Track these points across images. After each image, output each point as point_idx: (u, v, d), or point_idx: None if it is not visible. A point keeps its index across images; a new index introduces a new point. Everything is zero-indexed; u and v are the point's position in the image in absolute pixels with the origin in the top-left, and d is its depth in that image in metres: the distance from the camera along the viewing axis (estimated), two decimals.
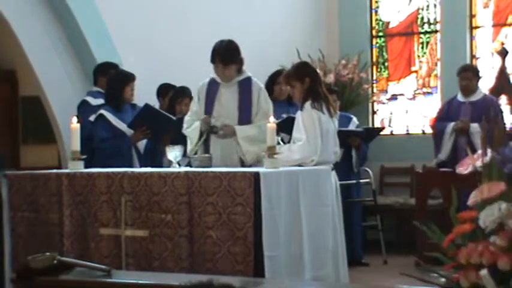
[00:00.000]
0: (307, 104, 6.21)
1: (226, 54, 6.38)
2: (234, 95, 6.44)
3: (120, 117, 7.33)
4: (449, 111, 8.61)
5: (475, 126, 8.21)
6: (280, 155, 5.73)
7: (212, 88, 6.50)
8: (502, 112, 8.59)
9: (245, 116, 6.39)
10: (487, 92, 9.40)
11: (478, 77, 8.75)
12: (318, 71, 10.06)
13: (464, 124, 8.28)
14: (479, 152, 2.96)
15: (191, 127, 6.46)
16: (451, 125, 8.39)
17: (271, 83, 8.57)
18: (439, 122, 8.65)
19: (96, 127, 7.28)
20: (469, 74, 8.52)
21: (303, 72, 6.38)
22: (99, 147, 7.19)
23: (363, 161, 9.05)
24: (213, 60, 6.43)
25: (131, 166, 6.95)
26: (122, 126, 7.31)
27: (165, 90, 7.99)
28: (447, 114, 8.59)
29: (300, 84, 6.31)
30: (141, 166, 7.03)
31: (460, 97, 8.59)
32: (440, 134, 8.49)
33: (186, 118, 6.60)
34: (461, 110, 8.46)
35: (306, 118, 6.17)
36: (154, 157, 7.16)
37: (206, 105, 6.48)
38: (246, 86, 6.44)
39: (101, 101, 7.59)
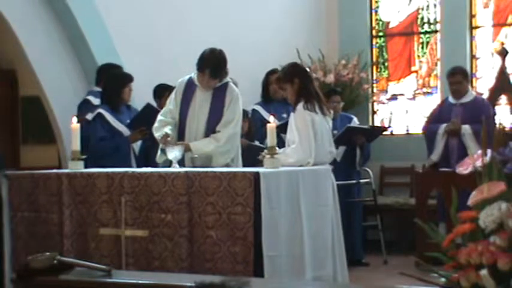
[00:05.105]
0: (300, 106, 6.18)
1: (217, 68, 6.35)
2: (207, 101, 6.43)
3: (117, 117, 7.35)
4: (441, 113, 8.59)
5: (466, 128, 8.20)
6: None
7: (190, 89, 6.49)
8: (494, 113, 8.58)
9: (213, 123, 6.38)
10: (486, 92, 9.42)
11: (467, 79, 8.74)
12: (318, 70, 10.20)
13: (456, 126, 8.26)
14: (479, 152, 2.95)
15: (158, 132, 6.38)
16: (442, 127, 8.37)
17: (266, 83, 8.60)
18: (431, 124, 8.64)
19: (94, 126, 7.28)
20: (458, 78, 8.48)
21: (291, 73, 6.34)
22: (97, 146, 7.19)
23: (367, 159, 9.06)
24: (200, 69, 6.38)
25: (129, 166, 6.95)
26: (120, 126, 7.32)
27: (161, 91, 7.99)
28: (439, 116, 8.57)
29: (290, 86, 6.28)
30: (137, 166, 7.04)
31: (451, 99, 8.58)
32: (432, 136, 8.48)
33: (159, 117, 6.52)
34: (453, 111, 8.44)
35: (299, 120, 6.14)
36: (149, 158, 7.13)
37: (182, 106, 6.47)
38: (220, 93, 6.42)
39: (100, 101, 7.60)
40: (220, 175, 5.37)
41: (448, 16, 10.29)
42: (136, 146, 7.48)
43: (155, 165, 6.38)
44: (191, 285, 2.72)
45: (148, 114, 7.04)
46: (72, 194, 5.85)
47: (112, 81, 7.43)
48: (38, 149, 10.53)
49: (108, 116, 7.28)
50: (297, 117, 6.17)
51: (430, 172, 8.38)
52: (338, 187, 6.32)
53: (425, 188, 8.42)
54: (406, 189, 10.13)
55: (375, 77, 10.90)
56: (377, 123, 10.73)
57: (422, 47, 10.67)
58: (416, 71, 10.73)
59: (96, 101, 7.65)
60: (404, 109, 10.76)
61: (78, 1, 8.00)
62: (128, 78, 7.40)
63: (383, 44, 10.91)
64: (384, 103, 10.80)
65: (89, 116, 7.39)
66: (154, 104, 7.92)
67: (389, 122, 10.80)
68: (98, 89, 7.75)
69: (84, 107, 7.71)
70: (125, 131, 7.32)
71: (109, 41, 8.16)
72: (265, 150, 5.73)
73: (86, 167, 6.19)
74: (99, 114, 7.29)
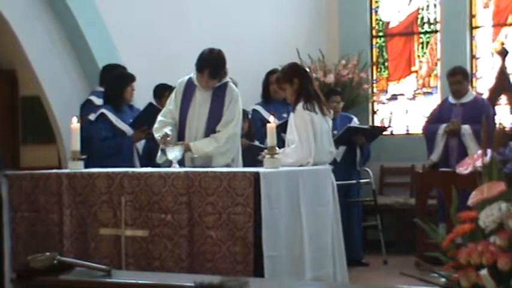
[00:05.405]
0: (299, 106, 6.19)
1: (216, 68, 6.35)
2: (207, 101, 6.43)
3: (120, 117, 7.35)
4: (441, 113, 8.59)
5: (466, 128, 8.19)
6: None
7: (189, 89, 6.48)
8: (494, 113, 8.58)
9: (213, 123, 6.38)
10: (486, 92, 9.41)
11: (468, 79, 8.73)
12: (318, 70, 10.20)
13: (456, 125, 8.25)
14: (479, 152, 2.96)
15: (158, 133, 6.37)
16: (442, 127, 8.37)
17: (267, 83, 8.60)
18: (431, 124, 8.63)
19: (97, 126, 7.29)
20: (458, 78, 8.47)
21: (290, 73, 6.35)
22: (100, 146, 7.20)
23: (367, 159, 9.06)
24: (199, 70, 6.37)
25: (132, 166, 6.97)
26: (123, 125, 7.32)
27: (161, 91, 7.99)
28: (439, 116, 8.57)
29: (290, 86, 6.29)
30: (140, 166, 7.05)
31: (451, 99, 8.58)
32: (431, 136, 8.47)
33: (159, 118, 6.52)
34: (453, 111, 8.44)
35: (298, 120, 6.14)
36: (152, 158, 7.14)
37: (181, 106, 6.47)
38: (220, 93, 6.42)
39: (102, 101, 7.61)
40: (220, 175, 5.37)
41: (448, 16, 10.29)
42: (140, 145, 7.48)
43: (158, 165, 6.38)
44: (191, 285, 2.72)
45: (151, 114, 7.03)
46: (72, 194, 5.85)
47: (114, 81, 7.45)
48: (38, 149, 10.53)
49: (111, 116, 7.29)
50: (297, 117, 6.18)
51: (430, 172, 8.37)
52: (338, 187, 6.32)
53: (425, 188, 8.41)
54: (406, 189, 10.13)
55: (374, 77, 10.89)
56: (377, 123, 10.73)
57: (422, 47, 10.67)
58: (416, 71, 10.73)
59: (98, 101, 7.65)
60: (404, 109, 10.76)
61: (78, 1, 7.99)
62: (130, 78, 7.42)
63: (383, 44, 10.91)
64: (384, 103, 10.80)
65: (92, 117, 7.40)
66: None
67: (389, 122, 10.80)
68: (101, 89, 7.75)
69: (87, 107, 7.72)
70: (128, 130, 7.33)
71: (109, 41, 8.16)
72: (265, 150, 5.73)
73: (89, 167, 6.19)
74: (102, 114, 7.30)
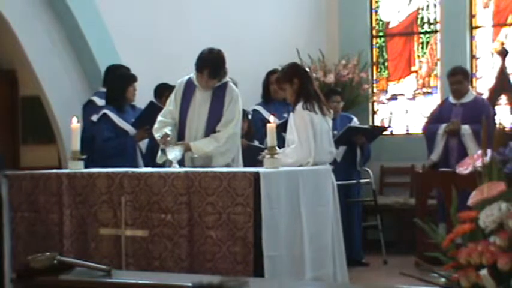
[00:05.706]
0: (299, 106, 6.19)
1: (215, 68, 6.34)
2: (207, 101, 6.43)
3: (122, 117, 7.36)
4: (441, 113, 8.59)
5: (466, 128, 8.19)
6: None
7: (189, 89, 6.48)
8: (494, 114, 8.58)
9: (213, 123, 6.38)
10: (486, 92, 9.41)
11: (468, 79, 8.73)
12: (318, 70, 10.20)
13: (456, 125, 8.25)
14: (479, 152, 2.96)
15: (158, 133, 6.38)
16: (442, 127, 8.36)
17: (267, 83, 8.61)
18: (431, 124, 8.63)
19: (100, 127, 7.30)
20: (459, 77, 8.47)
21: (290, 73, 6.34)
22: (103, 147, 7.20)
23: (367, 159, 9.06)
24: (199, 70, 6.37)
25: (135, 165, 6.97)
26: (126, 125, 7.33)
27: (162, 91, 7.99)
28: (439, 116, 8.57)
29: (290, 86, 6.29)
30: (144, 165, 7.05)
31: (451, 99, 8.58)
32: (431, 136, 8.47)
33: (160, 118, 6.52)
34: (453, 111, 8.44)
35: (298, 120, 6.14)
36: (156, 156, 7.15)
37: (181, 107, 6.47)
38: (220, 93, 6.42)
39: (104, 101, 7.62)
40: (220, 175, 5.37)
41: (448, 16, 10.29)
42: (143, 144, 7.48)
43: (161, 164, 6.38)
44: (190, 286, 2.72)
45: (153, 113, 7.03)
46: (72, 194, 5.85)
47: (116, 81, 7.46)
48: (38, 149, 10.53)
49: (114, 116, 7.29)
50: (296, 117, 6.18)
51: (430, 172, 8.37)
52: (338, 187, 6.32)
53: (425, 188, 8.41)
54: (406, 189, 10.13)
55: (374, 77, 10.90)
56: (377, 123, 10.73)
57: (422, 47, 10.67)
58: (416, 71, 10.73)
59: (100, 101, 7.66)
60: (404, 109, 10.76)
61: (78, 1, 8.00)
62: (132, 78, 7.43)
63: (383, 44, 10.91)
64: (384, 103, 10.80)
65: (94, 117, 7.41)
66: None
67: (389, 122, 10.80)
68: (104, 89, 7.75)
69: (89, 108, 7.73)
70: (130, 130, 7.34)
71: (109, 41, 8.16)
72: (265, 150, 5.74)
73: (92, 167, 6.19)
74: (104, 114, 7.30)
